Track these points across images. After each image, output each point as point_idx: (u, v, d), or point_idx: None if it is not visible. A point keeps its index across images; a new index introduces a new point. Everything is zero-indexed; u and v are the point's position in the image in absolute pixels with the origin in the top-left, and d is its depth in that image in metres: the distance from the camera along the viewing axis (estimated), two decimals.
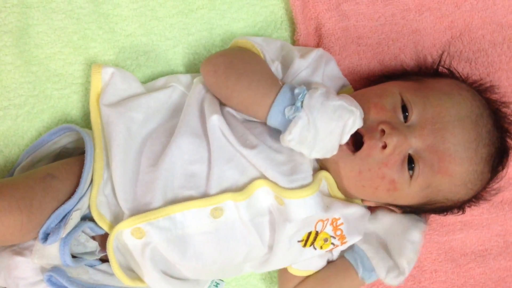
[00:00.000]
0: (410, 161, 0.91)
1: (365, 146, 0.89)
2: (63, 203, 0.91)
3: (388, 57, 1.12)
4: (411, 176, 0.91)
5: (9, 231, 0.87)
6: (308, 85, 0.89)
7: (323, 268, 1.05)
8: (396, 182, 0.91)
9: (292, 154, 0.92)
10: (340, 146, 0.87)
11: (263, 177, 0.91)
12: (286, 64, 1.00)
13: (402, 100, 0.92)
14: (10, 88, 1.03)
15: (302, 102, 0.85)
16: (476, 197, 1.02)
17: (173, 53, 1.08)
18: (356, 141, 0.90)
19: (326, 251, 0.99)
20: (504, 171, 1.02)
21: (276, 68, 0.98)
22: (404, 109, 0.92)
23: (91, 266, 0.97)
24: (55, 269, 0.92)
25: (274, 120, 0.88)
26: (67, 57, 1.04)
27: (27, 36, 1.02)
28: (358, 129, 0.87)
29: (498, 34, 1.14)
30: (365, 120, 0.88)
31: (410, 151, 0.91)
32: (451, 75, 1.05)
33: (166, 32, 1.07)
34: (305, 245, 0.95)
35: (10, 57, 1.02)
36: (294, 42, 1.11)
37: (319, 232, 0.94)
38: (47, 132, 1.04)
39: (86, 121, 1.07)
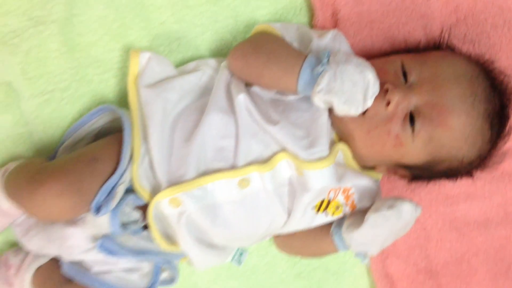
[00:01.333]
0: (412, 118, 0.96)
1: (371, 112, 0.94)
2: (108, 179, 0.97)
3: (398, 40, 1.14)
4: (413, 131, 0.96)
5: (61, 212, 0.93)
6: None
7: None
8: (401, 137, 0.96)
9: (311, 129, 0.97)
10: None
11: (284, 150, 0.95)
12: (304, 44, 1.04)
13: (403, 66, 0.98)
14: (55, 73, 1.07)
15: (327, 60, 0.90)
16: (481, 159, 1.03)
17: (201, 40, 1.12)
18: None
19: (339, 218, 1.02)
20: (506, 137, 1.05)
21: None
22: (405, 74, 0.98)
23: (134, 234, 1.02)
24: (106, 236, 0.98)
25: (303, 82, 0.92)
26: (107, 44, 1.08)
27: (71, 25, 1.06)
28: None
29: (499, 18, 1.16)
30: None
31: (411, 108, 0.96)
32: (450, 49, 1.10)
33: (196, 20, 1.11)
34: (318, 211, 1.00)
35: (55, 44, 1.06)
36: (312, 27, 1.15)
37: (331, 200, 0.99)
38: (87, 112, 1.08)
39: (122, 103, 1.11)
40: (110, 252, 0.99)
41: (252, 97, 1.00)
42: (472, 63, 1.02)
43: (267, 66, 0.96)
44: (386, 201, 0.96)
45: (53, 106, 1.09)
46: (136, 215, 1.02)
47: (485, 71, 1.03)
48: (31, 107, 1.08)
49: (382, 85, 0.93)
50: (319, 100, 0.91)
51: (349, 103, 0.89)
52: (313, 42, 1.03)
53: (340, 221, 1.03)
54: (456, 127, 0.96)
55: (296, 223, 1.01)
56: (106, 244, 0.98)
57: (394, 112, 0.95)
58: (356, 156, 1.01)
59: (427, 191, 1.22)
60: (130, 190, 1.01)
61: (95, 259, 1.02)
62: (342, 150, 0.99)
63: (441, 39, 1.12)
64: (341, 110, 0.90)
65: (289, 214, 1.00)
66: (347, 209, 1.02)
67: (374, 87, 0.89)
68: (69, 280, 1.05)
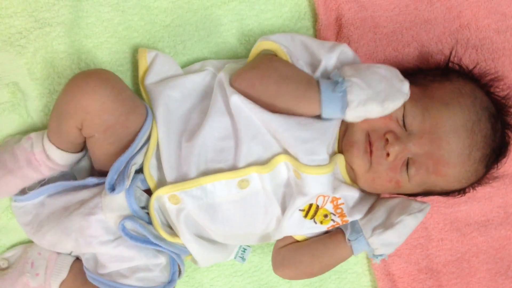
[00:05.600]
0: (407, 164, 1.00)
1: (373, 156, 0.98)
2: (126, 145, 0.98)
3: (402, 44, 1.16)
4: (408, 175, 1.00)
5: (96, 96, 0.93)
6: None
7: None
8: (400, 182, 1.00)
9: (318, 134, 0.96)
10: (361, 156, 0.97)
11: (284, 152, 0.96)
12: (312, 65, 1.03)
13: (403, 115, 0.98)
14: (62, 75, 1.08)
15: (343, 78, 0.93)
16: (474, 184, 1.08)
17: (206, 42, 1.13)
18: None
19: (328, 227, 1.04)
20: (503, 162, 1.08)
21: (301, 66, 1.01)
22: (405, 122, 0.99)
23: (148, 223, 1.03)
24: (127, 217, 0.99)
25: (328, 106, 0.94)
26: (113, 46, 1.09)
27: (77, 27, 1.07)
28: (369, 138, 0.97)
29: (502, 23, 1.18)
30: (374, 128, 0.97)
31: (409, 155, 0.99)
32: (459, 70, 1.09)
33: (201, 23, 1.12)
34: (306, 215, 1.01)
35: (62, 46, 1.07)
36: (316, 31, 1.16)
37: (319, 207, 1.00)
38: None
39: None
40: (131, 236, 1.00)
41: None
42: (477, 104, 1.01)
43: (279, 96, 0.97)
44: (412, 203, 1.03)
45: None
46: (145, 199, 1.03)
47: (491, 106, 1.03)
48: (38, 106, 1.09)
49: (383, 133, 0.97)
50: (356, 116, 0.93)
51: (392, 98, 0.92)
52: (322, 64, 1.02)
53: (354, 229, 1.05)
54: (450, 175, 1.02)
55: (286, 225, 1.02)
56: (128, 225, 0.99)
57: (394, 161, 0.98)
58: (351, 174, 1.03)
59: None
60: (139, 171, 1.02)
61: (112, 254, 1.03)
62: (340, 162, 1.00)
63: (449, 58, 1.12)
64: (388, 109, 0.92)
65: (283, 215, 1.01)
66: (337, 219, 1.03)
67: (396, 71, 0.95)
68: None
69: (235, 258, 1.16)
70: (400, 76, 0.95)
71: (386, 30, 1.16)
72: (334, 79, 0.94)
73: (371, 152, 0.98)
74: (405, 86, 0.95)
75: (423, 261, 1.27)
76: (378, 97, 0.91)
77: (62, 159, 1.03)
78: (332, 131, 0.98)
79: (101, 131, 0.97)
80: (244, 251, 1.16)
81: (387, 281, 1.27)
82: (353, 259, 1.25)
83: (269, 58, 1.03)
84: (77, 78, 0.95)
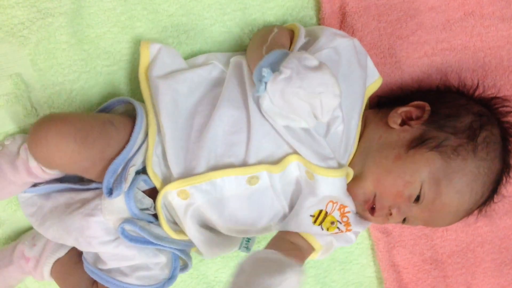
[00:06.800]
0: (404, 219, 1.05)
1: (373, 215, 1.02)
2: (115, 156, 0.96)
3: (406, 33, 1.16)
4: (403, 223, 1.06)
5: (60, 154, 0.91)
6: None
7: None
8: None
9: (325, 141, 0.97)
10: (360, 209, 1.03)
11: (295, 152, 0.96)
12: (311, 40, 1.03)
13: (420, 190, 0.99)
14: (65, 65, 1.08)
15: (266, 84, 0.86)
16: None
17: (210, 32, 1.12)
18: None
19: (332, 234, 1.05)
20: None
21: (305, 41, 1.03)
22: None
23: (149, 221, 1.03)
24: (127, 220, 0.98)
25: (255, 77, 0.91)
26: (116, 36, 1.08)
27: (80, 17, 1.06)
28: (374, 199, 1.01)
29: (507, 10, 1.17)
30: (383, 198, 1.00)
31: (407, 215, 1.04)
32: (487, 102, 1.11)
33: (204, 12, 1.11)
34: (315, 222, 1.01)
35: (65, 36, 1.06)
36: (319, 20, 1.15)
37: (328, 213, 1.01)
38: (97, 104, 1.09)
39: (131, 95, 1.12)
40: (131, 238, 1.00)
41: None
42: (486, 184, 1.03)
43: (248, 49, 1.05)
44: None
45: (63, 97, 1.09)
46: (148, 202, 1.03)
47: (497, 179, 1.07)
48: (42, 98, 1.09)
49: (389, 207, 1.01)
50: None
51: (299, 119, 0.90)
52: (318, 39, 1.01)
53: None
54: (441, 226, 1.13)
55: (293, 226, 1.02)
56: (127, 227, 0.99)
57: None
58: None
59: None
60: (140, 171, 1.02)
61: (113, 253, 1.02)
62: (348, 175, 1.00)
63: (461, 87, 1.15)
64: (265, 112, 0.92)
65: (289, 211, 1.02)
66: (342, 227, 1.04)
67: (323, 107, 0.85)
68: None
69: (239, 249, 1.14)
70: (321, 110, 0.85)
71: (390, 18, 1.15)
72: (280, 65, 0.86)
73: (371, 209, 1.01)
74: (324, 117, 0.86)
75: (428, 252, 1.27)
76: (283, 114, 0.89)
77: (56, 172, 1.03)
78: (350, 142, 1.00)
79: (80, 172, 0.99)
80: (248, 241, 1.14)
81: (391, 271, 1.27)
82: (357, 250, 1.28)
83: (282, 26, 1.10)
84: (37, 133, 0.91)
